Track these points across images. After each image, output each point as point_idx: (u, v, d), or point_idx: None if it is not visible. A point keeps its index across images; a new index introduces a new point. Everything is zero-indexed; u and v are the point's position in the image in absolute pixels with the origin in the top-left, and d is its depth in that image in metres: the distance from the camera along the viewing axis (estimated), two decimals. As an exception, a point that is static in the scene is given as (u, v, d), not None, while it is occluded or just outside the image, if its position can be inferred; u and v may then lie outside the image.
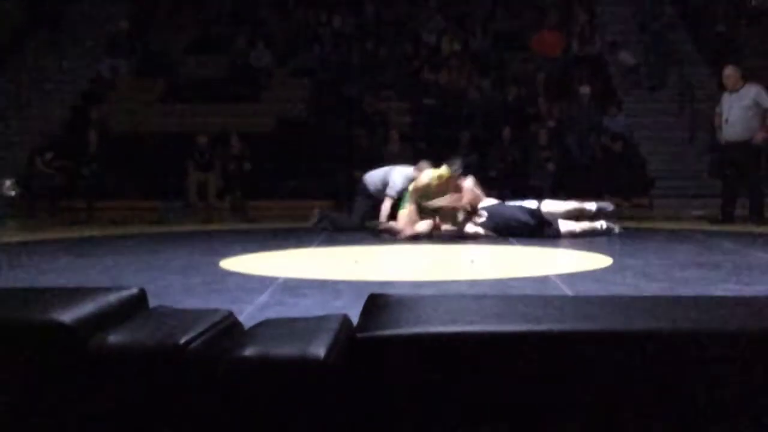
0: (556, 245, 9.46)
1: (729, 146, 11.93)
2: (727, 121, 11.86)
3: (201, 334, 2.20)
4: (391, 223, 10.43)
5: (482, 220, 10.16)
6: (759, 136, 11.68)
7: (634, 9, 20.75)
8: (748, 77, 12.20)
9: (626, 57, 19.12)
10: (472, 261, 8.04)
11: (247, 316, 4.91)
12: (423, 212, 10.26)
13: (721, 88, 12.67)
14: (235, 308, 2.74)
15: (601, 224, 10.38)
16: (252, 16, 20.74)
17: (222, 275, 7.19)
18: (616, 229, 10.39)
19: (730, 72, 12.10)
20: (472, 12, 20.65)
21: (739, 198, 12.16)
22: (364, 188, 11.38)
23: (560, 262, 8.14)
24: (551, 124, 16.55)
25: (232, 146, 16.15)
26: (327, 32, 20.06)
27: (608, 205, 10.82)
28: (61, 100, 18.99)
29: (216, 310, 2.47)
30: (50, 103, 18.83)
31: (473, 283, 6.77)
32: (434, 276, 7.38)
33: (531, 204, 10.32)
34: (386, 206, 10.87)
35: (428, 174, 10.25)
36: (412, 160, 12.75)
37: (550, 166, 15.50)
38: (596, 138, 16.53)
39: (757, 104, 11.69)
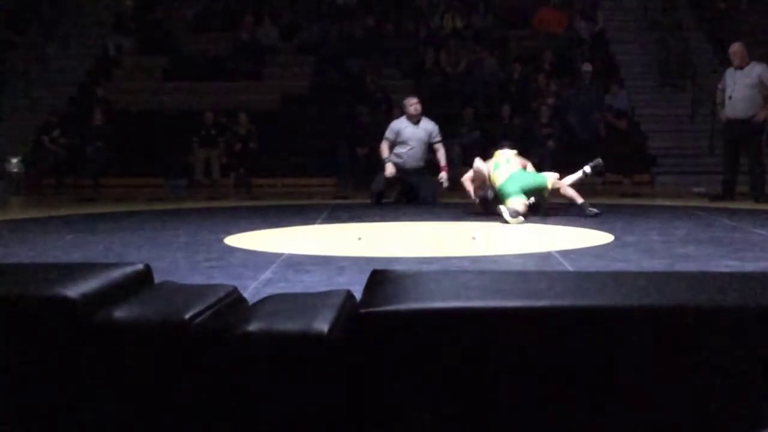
0: (557, 222, 9.46)
1: (731, 123, 11.92)
2: (730, 98, 11.83)
3: (206, 309, 2.21)
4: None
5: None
6: (761, 114, 11.67)
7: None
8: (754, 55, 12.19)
9: (587, 27, 19.04)
10: (474, 238, 8.05)
11: (252, 291, 4.94)
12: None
13: (725, 64, 12.64)
14: (239, 284, 2.76)
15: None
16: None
17: (226, 251, 7.21)
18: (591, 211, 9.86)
19: (737, 49, 12.04)
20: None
21: (739, 175, 12.16)
22: None
23: (562, 238, 8.15)
24: (551, 101, 16.52)
25: (240, 124, 16.17)
26: (330, 9, 20.00)
27: (598, 162, 10.60)
28: (67, 78, 18.96)
29: (220, 286, 2.48)
30: (56, 82, 18.80)
31: (475, 259, 6.79)
32: (436, 252, 7.40)
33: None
34: (383, 147, 11.89)
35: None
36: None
37: (551, 144, 15.49)
38: (599, 115, 16.51)
39: (761, 83, 11.67)
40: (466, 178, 10.40)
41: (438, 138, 11.93)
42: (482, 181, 10.15)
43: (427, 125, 11.99)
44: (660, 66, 18.65)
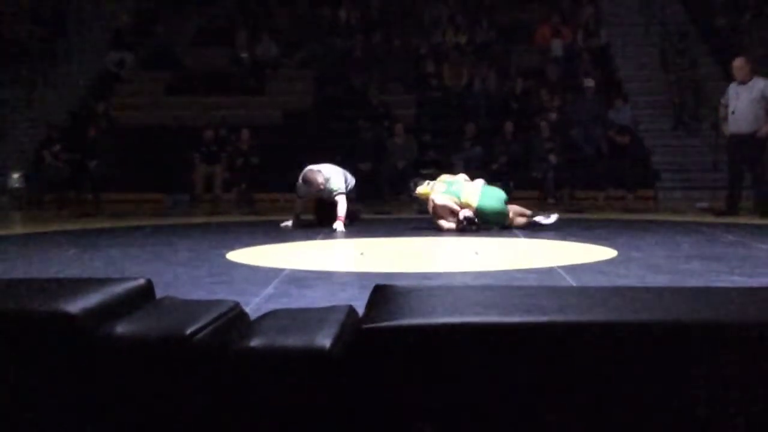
0: (560, 237, 9.45)
1: (734, 138, 11.91)
2: (733, 112, 11.83)
3: (207, 324, 2.21)
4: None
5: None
6: (765, 129, 11.66)
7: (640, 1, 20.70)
8: (757, 70, 12.19)
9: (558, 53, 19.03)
10: (477, 253, 8.04)
11: (254, 307, 4.93)
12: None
13: (730, 79, 12.63)
14: (241, 299, 2.75)
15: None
16: (257, 8, 20.72)
17: (228, 267, 7.21)
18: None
19: (740, 63, 12.04)
20: (477, 4, 20.62)
21: (743, 190, 12.15)
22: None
23: (565, 253, 8.14)
24: (553, 116, 16.52)
25: (241, 140, 16.17)
26: (332, 24, 20.03)
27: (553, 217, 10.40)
28: (69, 94, 18.99)
29: (222, 301, 2.47)
30: (58, 97, 18.83)
31: (478, 274, 6.79)
32: (439, 267, 7.40)
33: None
34: (296, 203, 11.46)
35: None
36: (417, 151, 12.68)
37: (553, 158, 15.48)
38: (602, 130, 16.50)
39: (764, 97, 11.66)
40: (441, 222, 10.15)
41: (335, 192, 11.17)
42: (450, 211, 10.08)
43: (329, 186, 11.20)
44: (663, 81, 18.65)
